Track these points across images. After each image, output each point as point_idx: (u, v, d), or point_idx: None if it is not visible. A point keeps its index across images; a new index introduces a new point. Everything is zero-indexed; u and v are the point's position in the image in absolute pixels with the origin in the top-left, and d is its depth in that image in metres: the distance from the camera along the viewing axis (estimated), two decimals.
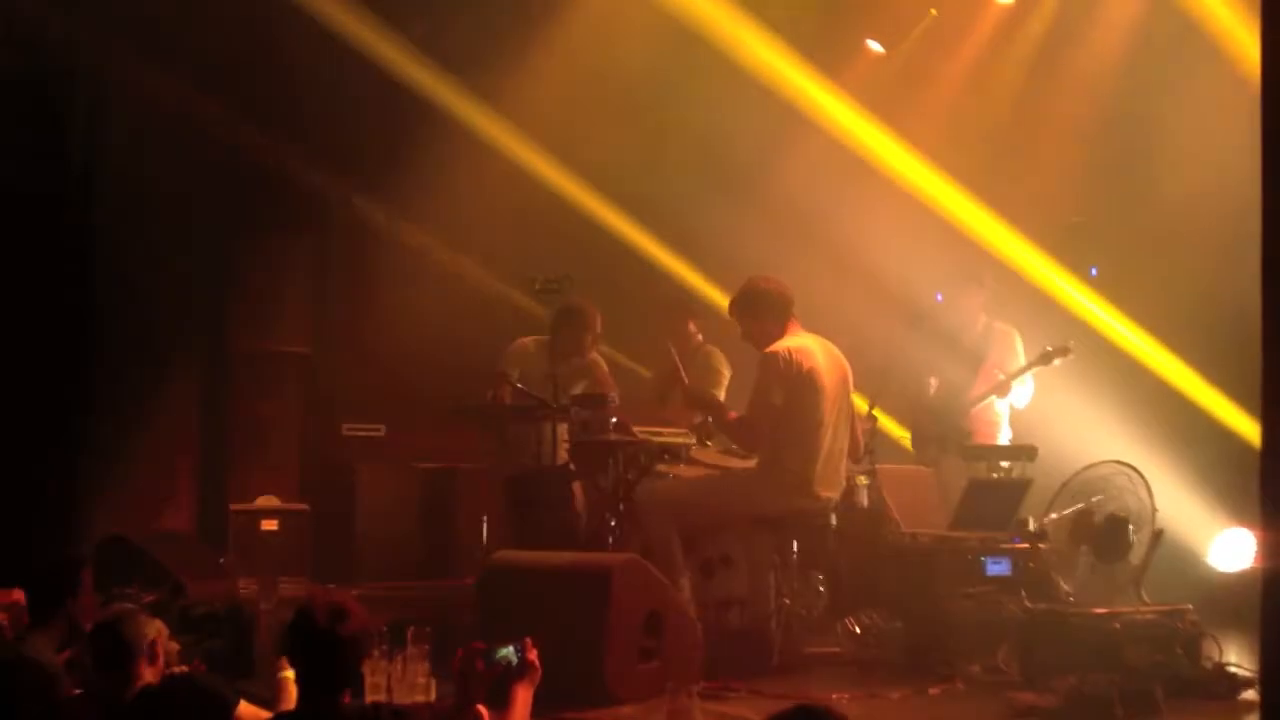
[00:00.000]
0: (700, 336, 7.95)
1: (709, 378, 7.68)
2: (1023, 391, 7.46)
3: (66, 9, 7.62)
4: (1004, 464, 7.14)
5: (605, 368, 7.38)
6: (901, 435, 8.02)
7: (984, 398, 7.41)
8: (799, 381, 6.00)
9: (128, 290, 8.13)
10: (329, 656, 3.10)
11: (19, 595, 4.47)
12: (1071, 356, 7.11)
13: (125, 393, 8.13)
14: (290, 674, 3.49)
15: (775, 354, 6.04)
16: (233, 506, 8.23)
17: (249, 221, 8.76)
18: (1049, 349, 7.16)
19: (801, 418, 6.00)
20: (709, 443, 6.71)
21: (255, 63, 8.43)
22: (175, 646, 3.94)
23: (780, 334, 6.13)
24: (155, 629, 3.77)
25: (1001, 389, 7.34)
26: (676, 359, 6.57)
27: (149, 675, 3.65)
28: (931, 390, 7.61)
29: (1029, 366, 7.29)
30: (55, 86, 7.75)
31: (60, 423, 7.72)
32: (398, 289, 8.94)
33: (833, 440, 6.10)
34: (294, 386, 8.86)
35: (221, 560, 7.31)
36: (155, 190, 8.12)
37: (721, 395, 7.40)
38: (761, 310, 6.20)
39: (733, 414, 6.27)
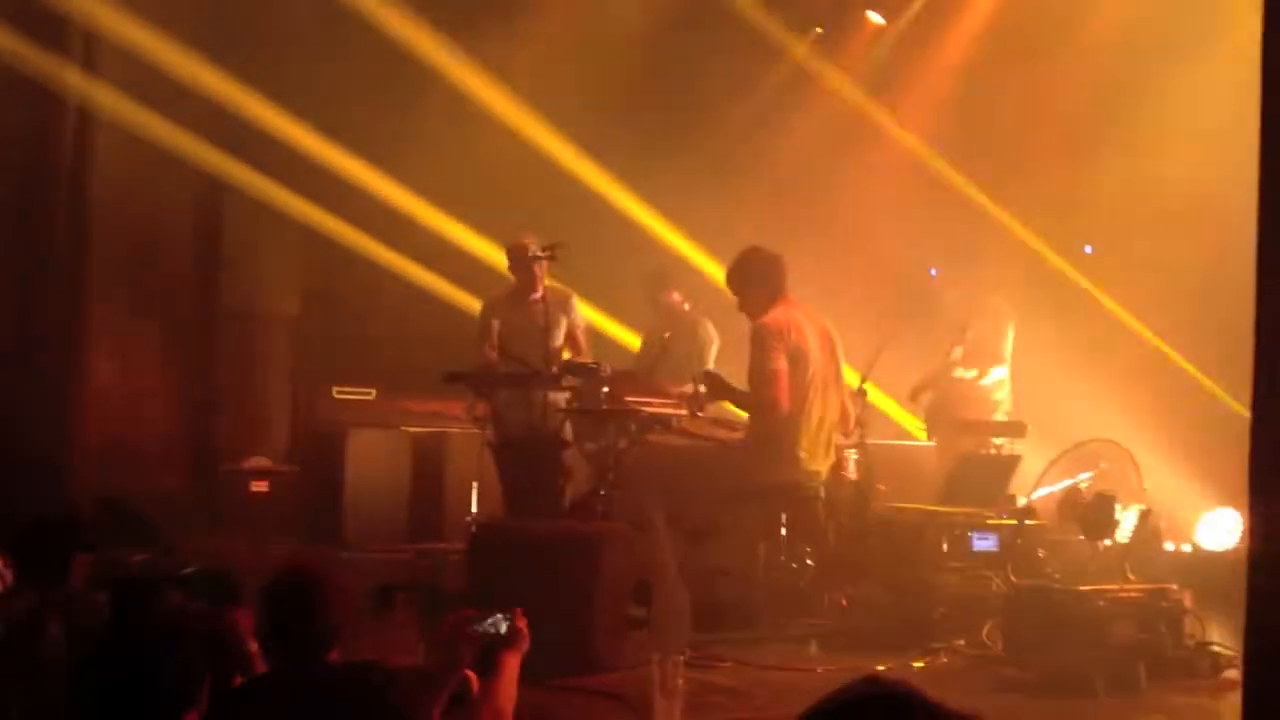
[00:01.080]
0: (687, 306, 7.97)
1: (695, 347, 7.71)
2: (999, 370, 7.53)
3: None
4: (996, 440, 7.17)
5: (577, 306, 7.38)
6: (895, 412, 8.05)
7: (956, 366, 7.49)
8: (788, 352, 6.00)
9: (118, 251, 8.10)
10: (308, 617, 3.12)
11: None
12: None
13: (116, 352, 8.12)
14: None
15: (765, 325, 6.05)
16: (223, 467, 8.25)
17: (239, 183, 8.72)
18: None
19: (791, 390, 6.00)
20: (700, 413, 6.71)
21: (246, 20, 8.39)
22: None
23: (771, 306, 6.12)
24: None
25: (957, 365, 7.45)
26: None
27: None
28: (953, 362, 7.65)
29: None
30: (43, 40, 7.69)
31: (50, 383, 7.70)
32: (389, 253, 8.92)
33: (821, 412, 6.11)
34: (285, 349, 8.86)
35: (211, 521, 7.32)
36: (146, 151, 8.07)
37: (710, 363, 7.43)
38: (754, 281, 6.20)
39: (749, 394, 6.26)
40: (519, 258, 7.17)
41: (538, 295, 7.13)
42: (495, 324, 7.28)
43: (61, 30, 7.74)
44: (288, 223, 8.74)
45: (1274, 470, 2.37)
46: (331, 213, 8.91)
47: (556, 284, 7.31)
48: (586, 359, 7.13)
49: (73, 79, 7.82)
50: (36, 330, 7.64)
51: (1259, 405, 2.44)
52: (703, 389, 6.30)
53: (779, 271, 6.19)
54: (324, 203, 8.88)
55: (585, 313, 7.58)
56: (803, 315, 6.17)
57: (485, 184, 8.78)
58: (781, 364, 5.95)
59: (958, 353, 7.52)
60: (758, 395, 6.04)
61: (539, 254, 7.04)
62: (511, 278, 7.29)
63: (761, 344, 6.01)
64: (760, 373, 5.99)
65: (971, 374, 7.54)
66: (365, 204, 8.89)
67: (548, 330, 7.07)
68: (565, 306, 7.29)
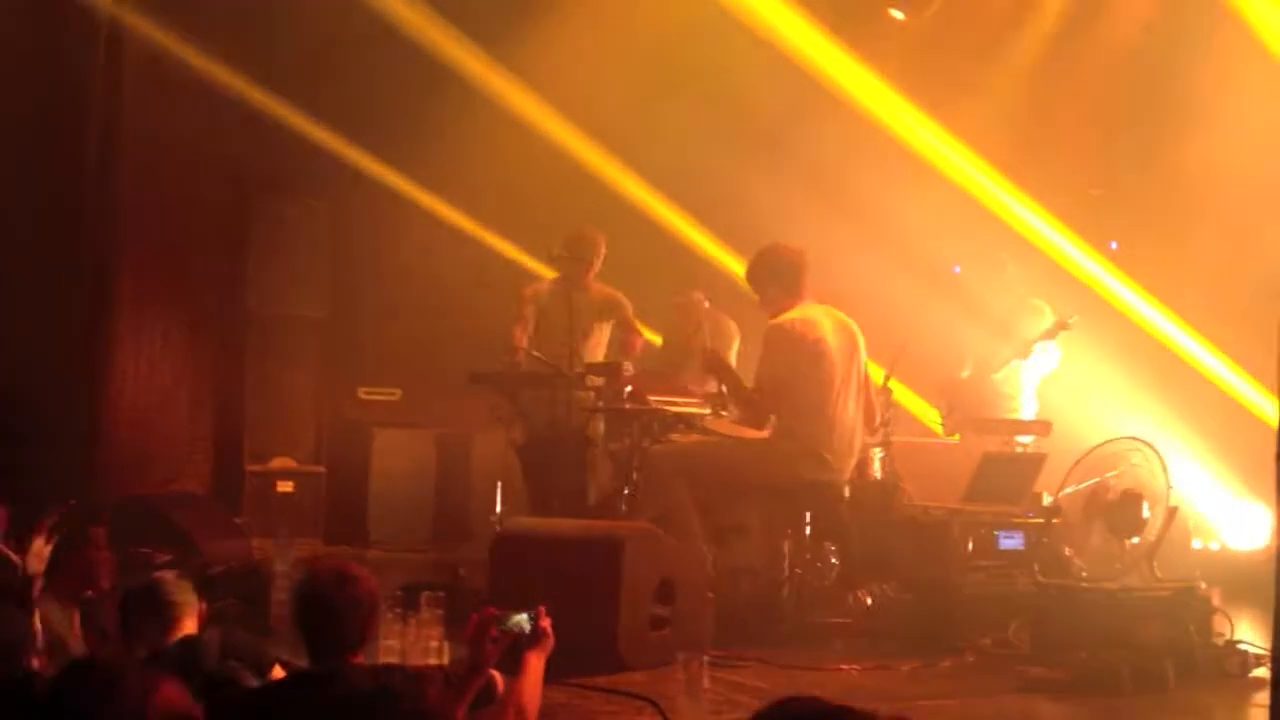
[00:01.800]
0: (708, 304, 7.98)
1: (718, 344, 7.71)
2: (1046, 359, 7.45)
3: None
4: (1022, 438, 7.13)
5: (630, 310, 7.41)
6: (920, 409, 8.02)
7: (1007, 361, 7.42)
8: (806, 353, 5.97)
9: (146, 252, 8.14)
10: (334, 621, 3.12)
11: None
12: (1070, 329, 7.17)
13: (143, 353, 8.16)
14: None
15: (779, 327, 6.02)
16: (249, 468, 8.29)
17: (267, 185, 8.77)
18: (1055, 322, 7.20)
19: (810, 389, 5.99)
20: (724, 412, 6.71)
21: (274, 25, 8.42)
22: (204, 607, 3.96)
23: (790, 303, 6.09)
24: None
25: (1023, 350, 7.35)
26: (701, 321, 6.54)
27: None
28: (968, 362, 7.62)
29: (1041, 337, 7.31)
30: (72, 47, 7.74)
31: (76, 383, 7.75)
32: (415, 254, 8.95)
33: (844, 410, 6.09)
34: (311, 350, 8.89)
35: (238, 521, 7.34)
36: (173, 154, 8.11)
37: (732, 359, 7.45)
38: (774, 278, 6.17)
39: (746, 386, 6.26)
40: (578, 250, 7.17)
41: (585, 289, 7.16)
42: (531, 311, 7.30)
43: (90, 35, 7.78)
44: (315, 226, 8.78)
45: None
46: (359, 215, 8.94)
47: (608, 287, 7.34)
48: (636, 358, 7.17)
49: (101, 85, 7.86)
50: (63, 331, 7.68)
51: None
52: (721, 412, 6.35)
53: (799, 268, 6.16)
54: (351, 206, 8.91)
55: None
56: (823, 313, 6.14)
57: (511, 186, 8.79)
58: (780, 372, 5.93)
59: (1036, 350, 7.45)
60: (755, 395, 6.04)
61: (596, 260, 7.09)
62: (555, 270, 7.28)
63: (769, 347, 5.99)
64: (761, 375, 6.00)
65: (1020, 362, 7.49)
66: (392, 207, 8.92)
67: (586, 332, 7.09)
68: (614, 308, 7.31)
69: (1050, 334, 7.22)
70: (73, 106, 7.82)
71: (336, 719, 2.97)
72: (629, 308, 7.43)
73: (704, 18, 8.52)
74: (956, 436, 7.60)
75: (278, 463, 8.37)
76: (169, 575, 3.97)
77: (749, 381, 6.20)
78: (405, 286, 8.91)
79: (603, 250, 7.28)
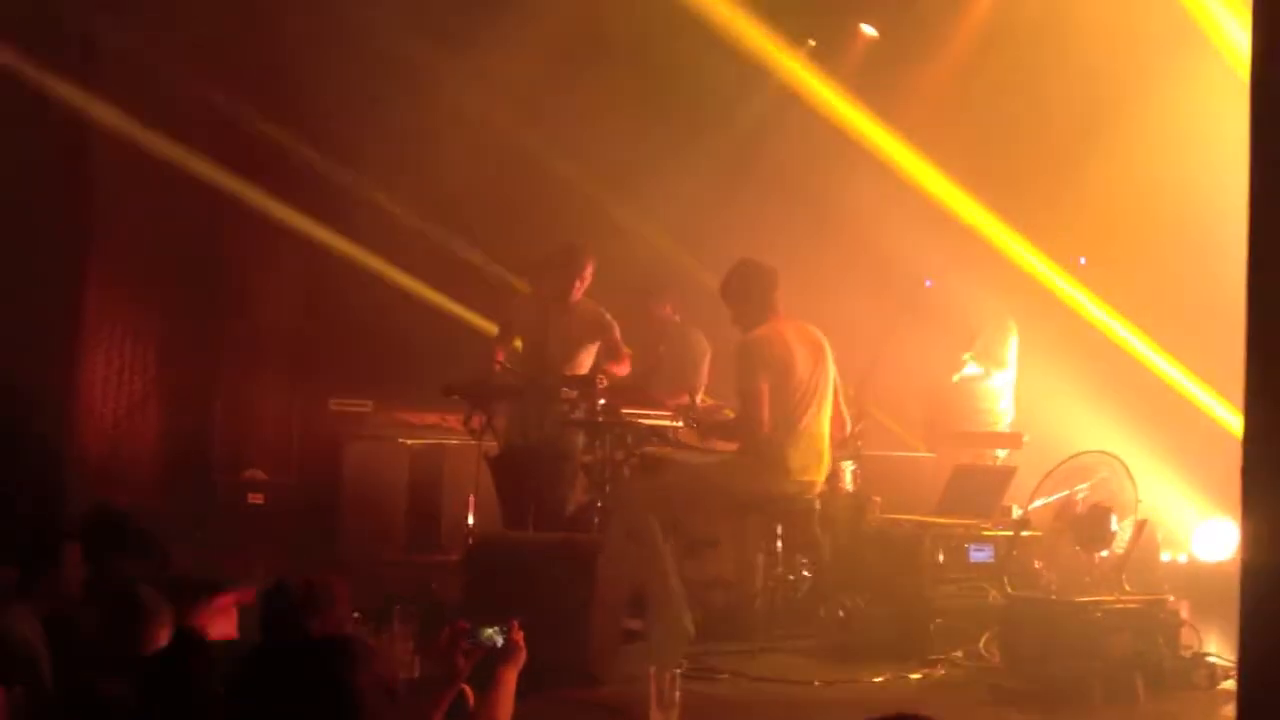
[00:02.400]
0: (678, 318, 7.98)
1: (688, 358, 7.72)
2: (999, 369, 7.55)
3: None
4: (998, 452, 7.18)
5: (617, 332, 7.31)
6: (891, 422, 8.06)
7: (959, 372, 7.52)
8: (775, 368, 5.99)
9: (115, 263, 8.10)
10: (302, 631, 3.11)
11: None
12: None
13: (114, 364, 8.12)
14: None
15: (750, 342, 6.04)
16: (219, 479, 8.24)
17: (238, 196, 8.73)
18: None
19: (779, 403, 6.00)
20: (694, 425, 6.72)
21: (246, 33, 8.40)
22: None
23: (762, 318, 6.12)
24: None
25: (957, 366, 7.48)
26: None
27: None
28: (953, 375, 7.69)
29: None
30: (46, 51, 7.70)
31: (46, 394, 7.70)
32: (387, 265, 8.93)
33: (813, 423, 6.11)
34: (283, 361, 8.86)
35: (208, 534, 7.31)
36: (143, 161, 8.07)
37: (703, 374, 7.46)
38: (747, 294, 6.20)
39: (729, 419, 6.29)
40: (562, 264, 7.10)
41: (570, 305, 7.11)
42: (513, 327, 7.26)
43: (61, 43, 7.73)
44: (288, 237, 8.75)
45: (1266, 480, 2.38)
46: (331, 227, 8.92)
47: (596, 306, 7.25)
48: (627, 376, 7.12)
49: (72, 94, 7.82)
50: (33, 341, 7.63)
51: (1251, 414, 2.44)
52: (694, 424, 6.36)
53: (771, 284, 6.19)
54: (324, 217, 8.89)
55: None
56: (791, 328, 6.16)
57: (484, 197, 8.79)
58: (762, 383, 5.95)
59: (968, 358, 7.54)
60: (741, 413, 6.07)
61: (584, 277, 7.05)
62: (529, 284, 7.29)
63: (742, 362, 6.01)
64: (742, 392, 6.02)
65: (979, 371, 7.56)
66: (364, 216, 8.90)
67: (565, 345, 7.03)
68: (600, 325, 7.20)
69: (967, 346, 7.37)
70: (41, 117, 7.78)
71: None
72: (616, 330, 7.25)
73: (671, 26, 8.55)
74: (921, 447, 7.66)
75: (248, 474, 8.33)
76: (146, 586, 3.96)
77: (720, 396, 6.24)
78: (378, 298, 8.88)
79: (587, 267, 7.16)
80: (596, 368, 7.17)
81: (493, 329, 7.87)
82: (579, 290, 7.13)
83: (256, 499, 8.24)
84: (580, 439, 6.79)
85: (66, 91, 7.73)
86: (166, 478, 8.35)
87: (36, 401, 7.59)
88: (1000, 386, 7.69)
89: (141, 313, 8.29)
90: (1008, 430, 7.69)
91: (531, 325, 7.17)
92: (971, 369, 7.61)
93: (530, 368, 7.04)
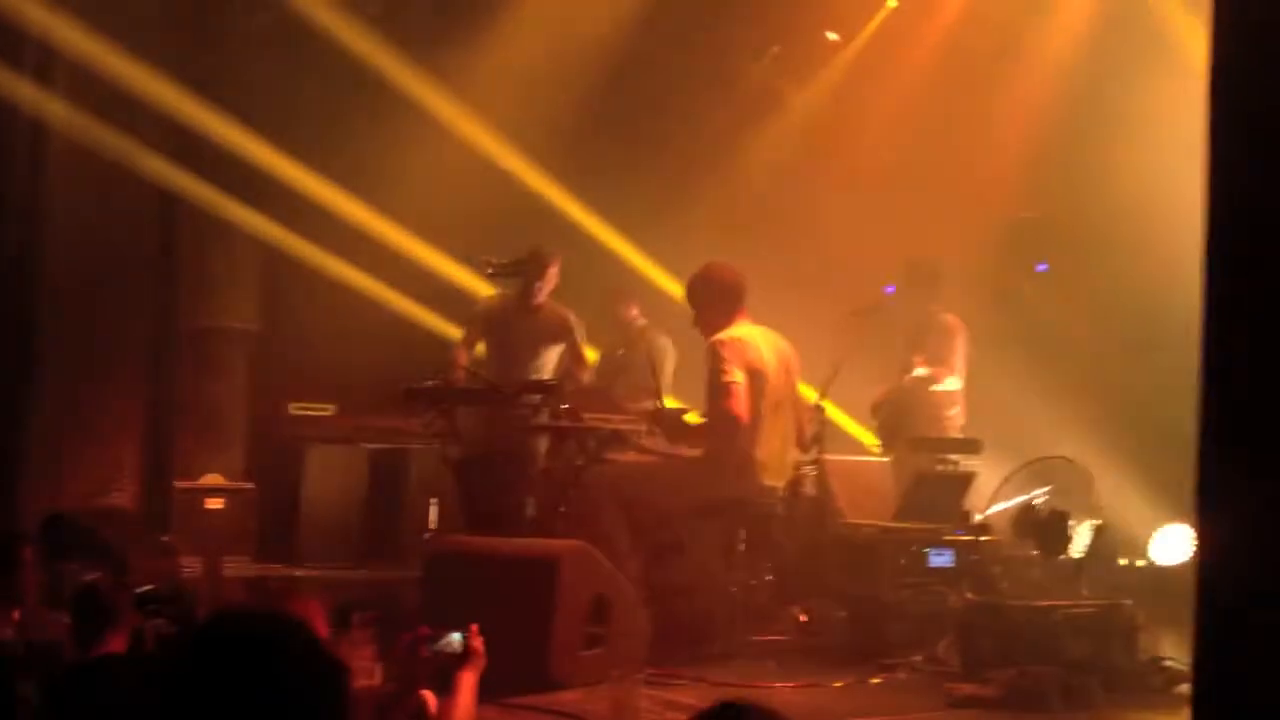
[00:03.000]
0: (643, 321, 7.99)
1: (652, 362, 7.72)
2: (952, 379, 7.62)
3: None
4: (952, 457, 7.21)
5: (581, 335, 7.33)
6: (852, 428, 8.08)
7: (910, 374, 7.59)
8: (747, 368, 6.01)
9: (73, 264, 8.02)
10: None
11: None
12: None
13: (70, 367, 8.03)
14: None
15: (720, 340, 6.06)
16: (177, 484, 8.17)
17: (195, 197, 8.66)
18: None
19: (749, 406, 6.01)
20: (657, 430, 6.71)
21: (204, 37, 8.35)
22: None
23: (726, 323, 6.13)
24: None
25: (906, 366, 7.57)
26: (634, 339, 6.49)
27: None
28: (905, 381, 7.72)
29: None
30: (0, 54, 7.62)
31: (3, 397, 7.61)
32: (348, 268, 8.88)
33: (776, 428, 6.13)
34: (242, 364, 8.79)
35: (165, 539, 7.24)
36: (101, 165, 7.99)
37: (668, 376, 7.47)
38: (713, 297, 6.21)
39: (700, 422, 6.26)
40: (530, 267, 7.11)
41: (535, 307, 7.10)
42: (476, 331, 7.23)
43: (16, 42, 7.65)
44: (245, 239, 8.69)
45: (1219, 482, 2.40)
46: (290, 229, 8.86)
47: (561, 309, 7.26)
48: (587, 377, 7.12)
49: (26, 92, 7.74)
50: None
51: (1204, 419, 2.47)
52: (656, 430, 6.34)
53: (738, 288, 6.21)
54: (282, 219, 8.83)
55: None
56: (759, 333, 6.19)
57: (445, 201, 8.76)
58: (736, 376, 5.95)
59: (917, 363, 7.59)
60: (715, 410, 6.05)
61: (549, 279, 7.04)
62: (493, 287, 7.27)
63: (716, 358, 6.01)
64: (715, 386, 6.00)
65: (924, 372, 7.61)
66: (324, 220, 8.85)
67: (533, 348, 7.03)
68: (564, 328, 7.22)
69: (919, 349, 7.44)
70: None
71: None
72: (580, 332, 7.31)
73: (641, 34, 8.56)
74: (879, 451, 7.70)
75: (207, 479, 8.25)
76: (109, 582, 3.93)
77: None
78: (338, 301, 8.83)
79: (551, 270, 7.18)
80: (565, 371, 7.19)
81: (455, 332, 7.86)
82: (541, 292, 7.15)
83: (215, 504, 8.16)
84: (543, 444, 6.79)
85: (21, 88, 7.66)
86: (124, 482, 8.27)
87: None
88: (950, 391, 7.74)
89: (97, 314, 8.19)
90: (958, 435, 7.74)
91: (495, 327, 7.18)
92: (920, 371, 7.66)
93: (494, 370, 7.03)
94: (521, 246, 7.31)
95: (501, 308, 7.28)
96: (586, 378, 7.28)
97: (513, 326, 7.09)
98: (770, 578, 6.29)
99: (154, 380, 8.53)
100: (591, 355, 8.26)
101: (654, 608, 5.81)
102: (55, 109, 7.82)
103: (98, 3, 7.81)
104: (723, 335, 6.08)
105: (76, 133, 7.85)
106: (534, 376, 7.04)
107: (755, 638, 6.11)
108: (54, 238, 7.93)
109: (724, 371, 5.96)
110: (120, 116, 7.98)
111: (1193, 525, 2.32)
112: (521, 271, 7.14)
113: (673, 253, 8.44)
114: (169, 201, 8.56)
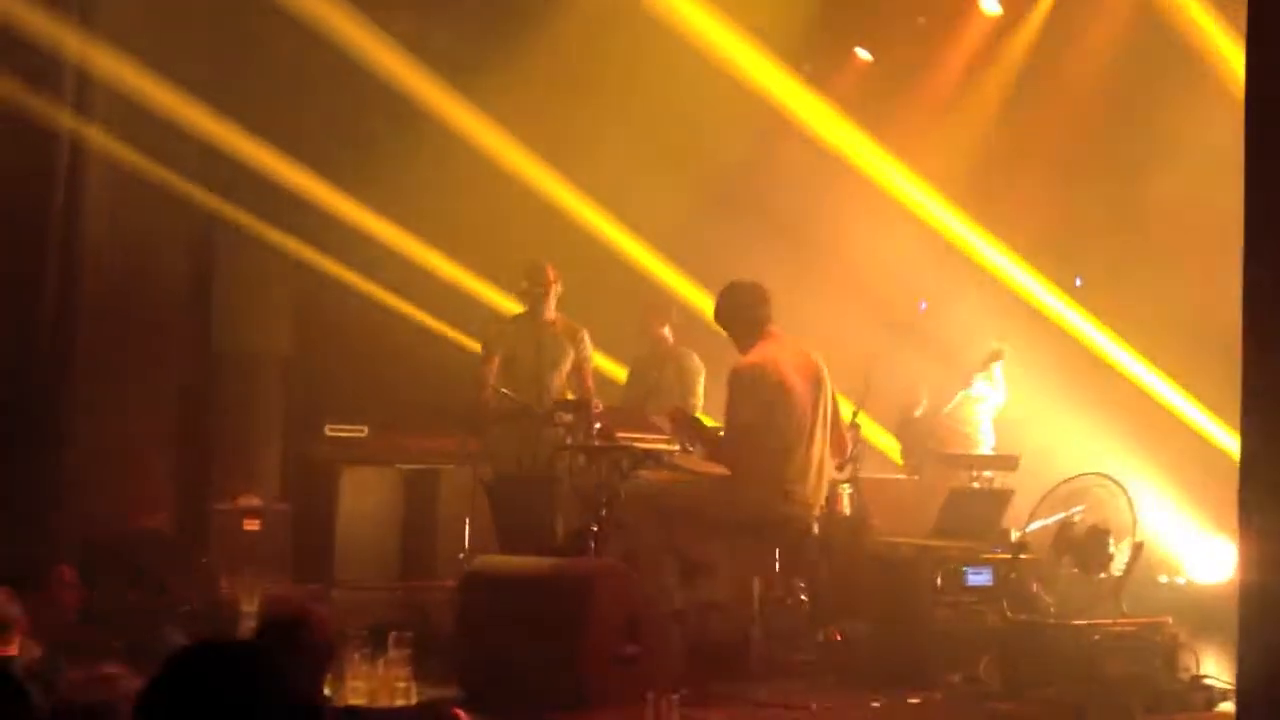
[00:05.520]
0: (673, 339, 8.00)
1: (684, 381, 7.74)
2: (992, 392, 7.56)
3: (50, 6, 7.57)
4: (986, 473, 7.17)
5: (589, 349, 7.39)
6: (888, 445, 8.05)
7: (954, 394, 7.54)
8: (770, 394, 5.95)
9: (111, 288, 8.09)
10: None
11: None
12: (1003, 358, 7.32)
13: (108, 390, 8.09)
14: None
15: (741, 370, 6.00)
16: (215, 506, 8.22)
17: (232, 221, 8.74)
18: (989, 351, 7.37)
19: (778, 428, 5.97)
20: (691, 449, 6.70)
21: (239, 61, 8.42)
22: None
23: (754, 340, 6.10)
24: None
25: (964, 380, 7.50)
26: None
27: None
28: (923, 400, 7.67)
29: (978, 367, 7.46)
30: (39, 81, 7.70)
31: (42, 420, 7.67)
32: (381, 290, 8.93)
33: (811, 446, 6.08)
34: (277, 387, 8.84)
35: (204, 560, 7.28)
36: (138, 190, 8.08)
37: (699, 396, 7.47)
38: (738, 315, 6.18)
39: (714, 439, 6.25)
40: (530, 280, 7.19)
41: (548, 321, 7.16)
42: (499, 349, 7.29)
43: (55, 70, 7.74)
44: (280, 263, 8.75)
45: (1263, 502, 2.38)
46: (323, 253, 8.92)
47: (568, 319, 7.34)
48: (590, 396, 7.14)
49: (65, 120, 7.82)
50: (27, 369, 7.61)
51: (1247, 436, 2.44)
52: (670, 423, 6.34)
53: (762, 304, 6.15)
54: (316, 243, 8.90)
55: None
56: (786, 349, 6.13)
57: (477, 221, 8.80)
58: (744, 416, 5.92)
59: (977, 380, 7.55)
60: (725, 442, 6.04)
61: (548, 288, 7.10)
62: (521, 305, 7.33)
63: (731, 391, 5.98)
64: (726, 422, 6.01)
65: (984, 393, 7.58)
66: (357, 244, 8.91)
67: (554, 363, 7.09)
68: (575, 340, 7.31)
69: (985, 364, 7.35)
70: (38, 142, 7.77)
71: None
72: (588, 346, 7.40)
73: (670, 55, 8.58)
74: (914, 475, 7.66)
75: (244, 501, 8.31)
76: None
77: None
78: (372, 323, 8.88)
79: (550, 280, 7.27)
80: (574, 372, 7.22)
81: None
82: (550, 304, 7.21)
83: (252, 525, 8.21)
84: (579, 461, 6.78)
85: (61, 117, 7.75)
86: (162, 504, 8.32)
87: (31, 428, 7.56)
88: (985, 410, 7.70)
89: (136, 338, 8.27)
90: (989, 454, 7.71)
91: (511, 344, 7.23)
92: (980, 387, 7.60)
93: (511, 387, 7.06)
94: (554, 267, 7.35)
95: (515, 324, 7.35)
96: (585, 394, 7.34)
97: (528, 342, 7.16)
98: (805, 597, 6.25)
99: (190, 403, 8.59)
100: (622, 374, 8.28)
101: (688, 626, 5.79)
102: (93, 136, 7.91)
103: (136, 31, 7.89)
104: (741, 364, 6.03)
105: (115, 160, 7.93)
106: (550, 391, 7.05)
107: (791, 657, 6.07)
108: (92, 264, 8.01)
109: (735, 411, 5.93)
110: (157, 143, 8.07)
111: (1235, 543, 2.29)
112: (527, 287, 7.22)
113: (705, 269, 8.44)
114: (205, 227, 8.64)
